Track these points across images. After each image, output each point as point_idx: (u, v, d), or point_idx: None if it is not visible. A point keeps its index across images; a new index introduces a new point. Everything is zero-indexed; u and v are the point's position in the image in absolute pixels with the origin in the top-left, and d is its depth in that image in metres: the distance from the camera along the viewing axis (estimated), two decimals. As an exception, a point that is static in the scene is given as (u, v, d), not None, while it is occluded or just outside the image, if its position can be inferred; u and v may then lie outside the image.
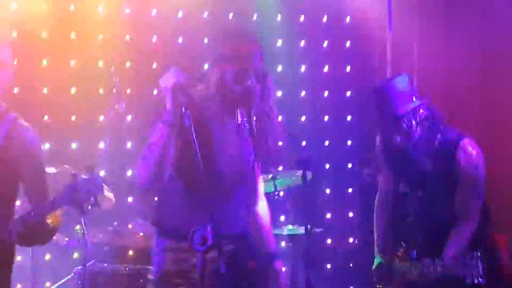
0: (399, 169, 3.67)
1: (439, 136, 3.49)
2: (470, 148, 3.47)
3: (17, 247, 3.62)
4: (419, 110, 3.46)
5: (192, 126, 2.63)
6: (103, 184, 2.94)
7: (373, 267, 3.72)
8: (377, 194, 3.93)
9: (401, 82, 3.55)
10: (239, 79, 2.78)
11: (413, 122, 3.44)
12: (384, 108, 3.52)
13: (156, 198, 3.06)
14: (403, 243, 3.57)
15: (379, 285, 3.70)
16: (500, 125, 4.78)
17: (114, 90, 5.23)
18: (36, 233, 3.04)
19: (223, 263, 2.63)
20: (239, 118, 2.87)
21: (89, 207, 2.92)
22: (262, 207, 3.10)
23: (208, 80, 2.88)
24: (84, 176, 2.84)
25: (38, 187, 3.11)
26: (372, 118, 6.01)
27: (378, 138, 3.82)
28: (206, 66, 5.14)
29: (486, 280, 3.23)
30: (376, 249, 3.77)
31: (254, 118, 2.84)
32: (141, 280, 4.56)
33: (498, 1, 5.05)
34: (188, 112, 2.64)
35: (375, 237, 3.82)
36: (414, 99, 3.49)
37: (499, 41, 5.07)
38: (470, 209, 3.47)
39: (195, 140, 2.61)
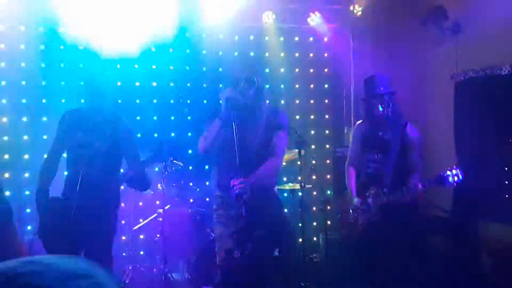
0: (369, 138, 3.67)
1: (399, 117, 3.56)
2: (413, 127, 3.56)
3: (123, 196, 3.76)
4: (392, 95, 3.53)
5: (235, 123, 2.72)
6: (178, 149, 3.03)
7: (353, 204, 3.66)
8: (346, 164, 3.89)
9: (384, 76, 3.60)
10: (235, 84, 2.86)
11: (388, 101, 3.50)
12: (372, 88, 3.54)
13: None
14: (372, 188, 3.56)
15: (354, 215, 3.66)
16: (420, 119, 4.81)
17: (180, 100, 5.31)
18: (139, 182, 3.19)
19: (243, 208, 2.69)
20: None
21: (170, 163, 3.05)
22: (273, 159, 2.92)
23: None
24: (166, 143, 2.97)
25: (135, 156, 3.21)
26: (341, 117, 6.15)
27: (354, 124, 3.85)
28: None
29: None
30: (351, 194, 3.73)
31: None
32: (198, 217, 4.67)
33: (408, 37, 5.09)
34: (234, 114, 2.74)
35: (349, 188, 3.76)
36: (390, 87, 3.54)
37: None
38: (417, 163, 3.51)
39: (236, 131, 2.70)
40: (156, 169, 4.84)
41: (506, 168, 4.20)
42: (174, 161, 4.26)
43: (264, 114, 2.91)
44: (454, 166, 3.22)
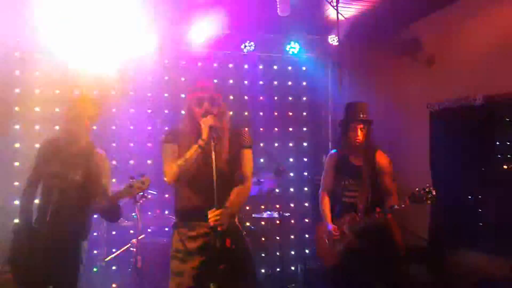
0: (342, 165, 3.68)
1: (371, 145, 3.58)
2: (383, 154, 3.58)
3: (96, 226, 3.57)
4: (370, 123, 3.58)
5: (214, 152, 2.56)
6: (149, 184, 2.89)
7: (328, 231, 3.63)
8: (320, 192, 3.87)
9: (365, 104, 3.64)
10: (198, 103, 2.72)
11: (367, 128, 3.55)
12: (353, 113, 3.58)
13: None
14: (347, 214, 3.53)
15: (330, 242, 3.62)
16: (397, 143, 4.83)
17: (158, 127, 5.19)
18: (110, 213, 3.07)
19: (217, 240, 2.49)
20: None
21: (139, 198, 2.90)
22: (243, 186, 2.75)
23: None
24: (137, 179, 2.82)
25: (107, 187, 3.10)
26: (319, 145, 6.13)
27: (325, 156, 3.84)
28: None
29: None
30: (326, 221, 3.69)
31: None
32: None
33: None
34: (214, 142, 2.59)
35: (324, 215, 3.73)
36: (370, 116, 3.60)
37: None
38: (390, 186, 3.51)
39: (213, 158, 2.54)
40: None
41: (480, 197, 4.21)
42: (149, 191, 4.12)
43: (228, 135, 2.76)
44: (427, 185, 3.17)
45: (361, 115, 3.54)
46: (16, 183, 4.47)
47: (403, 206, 3.22)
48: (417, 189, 3.17)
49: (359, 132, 3.52)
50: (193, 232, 2.66)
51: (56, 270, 2.87)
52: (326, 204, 3.77)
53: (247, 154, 2.80)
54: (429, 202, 3.13)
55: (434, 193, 3.12)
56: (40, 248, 2.84)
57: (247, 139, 2.81)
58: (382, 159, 3.54)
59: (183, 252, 2.66)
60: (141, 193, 2.89)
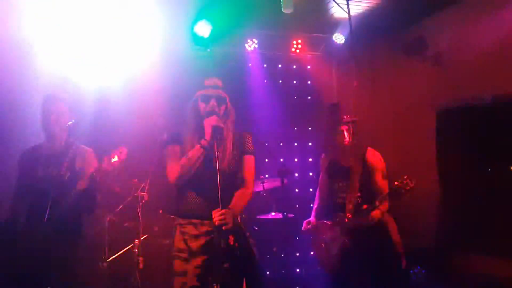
0: (333, 167, 3.67)
1: (360, 144, 3.54)
2: (373, 151, 3.55)
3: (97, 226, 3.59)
4: (355, 122, 3.53)
5: (217, 152, 2.60)
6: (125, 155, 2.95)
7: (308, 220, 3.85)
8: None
9: (348, 104, 3.65)
10: (205, 100, 2.75)
11: (352, 129, 3.49)
12: (336, 116, 3.56)
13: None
14: (337, 215, 3.52)
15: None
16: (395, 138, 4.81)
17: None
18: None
19: (221, 239, 2.53)
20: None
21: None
22: (244, 189, 2.80)
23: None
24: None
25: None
26: (323, 143, 6.11)
27: (323, 156, 3.82)
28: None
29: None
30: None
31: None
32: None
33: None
34: (217, 142, 2.62)
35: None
36: (354, 115, 3.55)
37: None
38: (381, 184, 3.44)
39: (217, 158, 2.57)
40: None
41: (488, 198, 4.19)
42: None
43: (231, 137, 2.81)
44: (405, 176, 3.12)
45: (345, 117, 3.51)
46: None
47: (385, 201, 3.21)
48: (396, 182, 3.14)
49: (346, 134, 3.49)
50: (196, 231, 2.69)
51: (53, 271, 2.88)
52: (315, 202, 3.93)
53: (249, 160, 2.85)
54: (408, 195, 3.09)
55: (412, 185, 3.07)
56: (37, 249, 2.85)
57: (250, 146, 2.86)
58: (372, 157, 3.51)
59: (186, 252, 2.68)
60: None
